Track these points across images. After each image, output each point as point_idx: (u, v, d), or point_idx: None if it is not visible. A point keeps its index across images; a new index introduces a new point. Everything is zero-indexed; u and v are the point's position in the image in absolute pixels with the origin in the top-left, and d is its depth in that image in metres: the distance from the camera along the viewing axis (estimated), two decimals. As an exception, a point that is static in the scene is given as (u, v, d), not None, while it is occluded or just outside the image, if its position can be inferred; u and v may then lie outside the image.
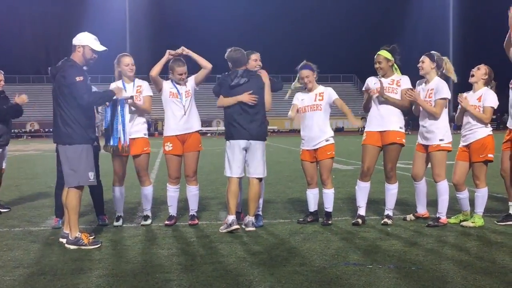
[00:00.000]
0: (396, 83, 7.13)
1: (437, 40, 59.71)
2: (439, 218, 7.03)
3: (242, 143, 6.85)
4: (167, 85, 7.26)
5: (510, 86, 6.95)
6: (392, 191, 7.25)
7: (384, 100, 7.03)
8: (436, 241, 6.16)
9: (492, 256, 5.45)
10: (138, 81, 7.30)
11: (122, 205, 7.34)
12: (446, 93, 7.02)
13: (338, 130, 57.04)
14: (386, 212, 7.28)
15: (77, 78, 5.94)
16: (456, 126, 7.56)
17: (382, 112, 7.09)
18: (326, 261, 5.29)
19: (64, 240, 6.09)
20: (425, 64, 7.12)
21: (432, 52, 7.23)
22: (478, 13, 68.05)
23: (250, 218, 6.90)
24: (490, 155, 6.97)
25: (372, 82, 7.24)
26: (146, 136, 7.28)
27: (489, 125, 7.04)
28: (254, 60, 7.25)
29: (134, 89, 7.18)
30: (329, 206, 7.25)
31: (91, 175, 6.08)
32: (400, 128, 7.13)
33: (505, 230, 6.64)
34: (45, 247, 6.09)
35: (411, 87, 7.13)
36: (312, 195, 7.34)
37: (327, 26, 79.57)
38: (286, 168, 15.22)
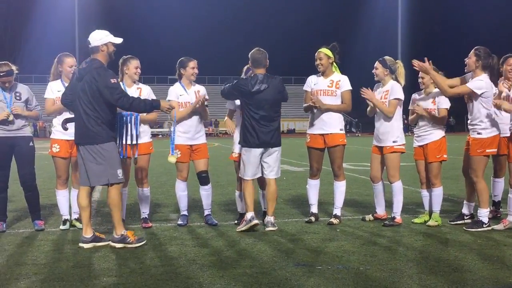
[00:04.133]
0: (335, 85, 7.25)
1: (387, 43, 60.91)
2: (394, 218, 7.19)
3: (259, 151, 6.91)
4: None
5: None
6: (340, 188, 7.39)
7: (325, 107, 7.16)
8: (385, 241, 6.27)
9: (438, 255, 5.58)
10: None
11: (67, 208, 7.19)
12: (400, 94, 7.20)
13: (289, 132, 57.46)
14: (335, 212, 7.39)
15: (112, 81, 5.95)
16: (406, 129, 7.80)
17: (323, 115, 7.22)
18: (275, 263, 5.30)
19: (84, 245, 6.00)
20: (378, 70, 7.28)
21: (385, 57, 7.36)
22: (426, 16, 69.84)
23: (269, 218, 6.93)
24: (445, 156, 7.18)
25: (312, 83, 7.36)
26: None
27: (443, 126, 7.26)
28: (192, 68, 7.24)
29: None
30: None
31: (120, 172, 6.08)
32: (341, 130, 7.32)
33: (450, 230, 6.80)
34: (-13, 251, 5.90)
35: (365, 88, 7.20)
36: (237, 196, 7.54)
37: (280, 29, 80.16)
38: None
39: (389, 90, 7.21)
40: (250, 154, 6.91)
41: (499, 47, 7.65)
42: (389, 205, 7.52)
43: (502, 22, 67.25)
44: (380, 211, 7.52)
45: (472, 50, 6.86)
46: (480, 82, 6.73)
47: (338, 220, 7.28)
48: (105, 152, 5.98)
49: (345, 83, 7.27)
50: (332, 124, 7.23)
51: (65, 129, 6.55)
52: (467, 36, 58.13)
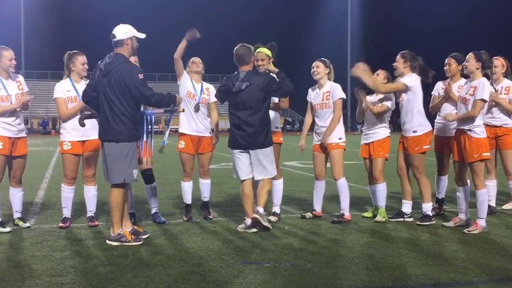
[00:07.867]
0: None
1: (337, 42, 61.81)
2: (343, 214, 7.30)
3: (245, 152, 6.76)
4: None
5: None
6: (278, 187, 7.48)
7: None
8: (332, 238, 6.34)
9: (383, 252, 5.68)
10: (17, 77, 6.93)
11: None
12: (343, 93, 7.37)
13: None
14: (274, 209, 7.47)
15: (140, 76, 5.95)
16: (356, 127, 7.97)
17: None
18: (223, 261, 5.29)
19: (112, 243, 5.99)
20: (320, 69, 7.37)
21: (324, 59, 7.52)
22: (376, 16, 71.13)
23: (258, 208, 6.69)
24: (387, 154, 7.39)
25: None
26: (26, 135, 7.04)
27: (388, 126, 7.47)
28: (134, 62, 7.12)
29: (16, 85, 6.79)
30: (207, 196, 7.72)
31: (135, 172, 6.09)
32: (276, 128, 7.38)
33: (396, 227, 6.93)
34: None
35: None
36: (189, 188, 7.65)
37: (235, 27, 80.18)
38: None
39: (330, 91, 7.31)
40: (236, 155, 6.81)
41: (446, 48, 7.89)
42: (336, 202, 7.61)
43: (451, 23, 69.19)
44: (318, 208, 7.61)
45: (398, 55, 7.20)
46: (410, 77, 7.04)
47: (276, 218, 7.35)
48: (126, 151, 5.96)
49: None
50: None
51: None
52: (414, 36, 59.52)
